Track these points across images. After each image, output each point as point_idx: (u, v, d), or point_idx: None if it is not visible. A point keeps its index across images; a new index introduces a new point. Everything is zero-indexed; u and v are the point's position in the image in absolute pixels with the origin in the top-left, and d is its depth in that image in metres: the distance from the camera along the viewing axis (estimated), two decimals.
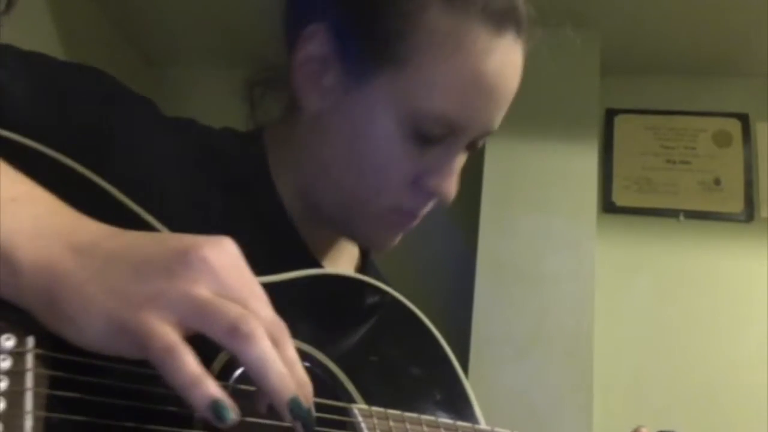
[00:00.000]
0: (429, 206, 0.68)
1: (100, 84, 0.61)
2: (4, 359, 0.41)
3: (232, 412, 0.40)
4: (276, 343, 0.44)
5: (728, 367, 2.17)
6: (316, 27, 0.64)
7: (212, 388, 0.40)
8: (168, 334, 0.41)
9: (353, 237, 0.71)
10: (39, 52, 0.59)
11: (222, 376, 0.50)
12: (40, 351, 0.43)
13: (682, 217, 2.35)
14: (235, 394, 0.43)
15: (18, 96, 0.54)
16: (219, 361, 0.51)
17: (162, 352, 0.40)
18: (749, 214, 2.31)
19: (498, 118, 0.67)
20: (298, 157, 0.69)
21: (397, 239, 0.70)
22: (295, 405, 0.43)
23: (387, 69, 0.62)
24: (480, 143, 0.69)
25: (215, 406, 0.40)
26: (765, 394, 2.11)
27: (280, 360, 0.43)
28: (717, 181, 2.36)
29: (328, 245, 0.74)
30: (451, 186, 0.65)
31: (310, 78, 0.65)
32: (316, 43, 0.64)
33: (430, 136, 0.63)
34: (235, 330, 0.41)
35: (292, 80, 0.66)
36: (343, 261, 0.76)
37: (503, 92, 0.66)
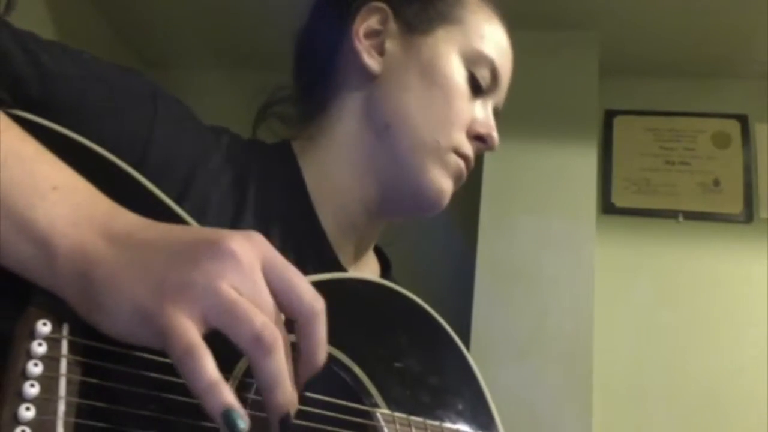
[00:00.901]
0: (473, 158, 0.76)
1: (144, 84, 0.63)
2: (40, 344, 0.42)
3: (244, 422, 0.41)
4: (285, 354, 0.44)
5: (728, 367, 2.17)
6: (376, 4, 0.74)
7: (227, 396, 0.41)
8: (189, 333, 0.41)
9: (418, 191, 0.73)
10: (88, 53, 0.60)
11: (244, 381, 0.51)
12: (73, 338, 0.44)
13: (681, 218, 2.35)
14: (253, 406, 0.44)
15: (63, 88, 0.55)
16: (240, 369, 0.51)
17: (182, 352, 0.41)
18: (748, 215, 2.31)
19: (504, 94, 0.80)
20: (339, 147, 0.72)
21: (450, 194, 0.75)
22: (286, 422, 0.44)
23: (446, 24, 0.74)
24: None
25: (227, 414, 0.40)
26: (765, 395, 2.11)
27: (288, 376, 0.43)
28: (716, 182, 2.36)
29: (354, 256, 0.76)
30: (496, 135, 0.75)
31: (373, 46, 0.74)
32: (376, 18, 0.74)
33: (480, 84, 0.74)
34: (258, 340, 0.42)
35: (352, 48, 0.74)
36: (366, 272, 0.78)
37: (511, 68, 0.80)
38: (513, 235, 2.18)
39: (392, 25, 0.74)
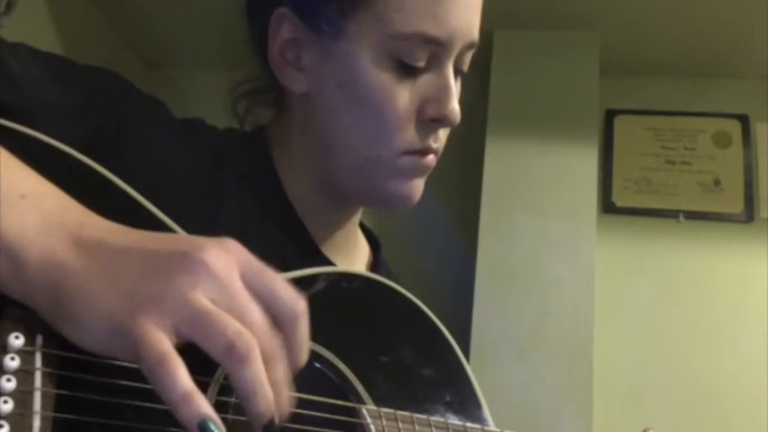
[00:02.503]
0: (442, 140, 0.69)
1: (113, 84, 0.62)
2: (12, 358, 0.41)
3: (219, 431, 0.40)
4: (267, 359, 0.43)
5: (728, 367, 2.17)
6: (280, 11, 0.66)
7: (201, 406, 0.40)
8: (161, 343, 0.40)
9: (380, 200, 0.70)
10: (55, 54, 0.60)
11: (227, 384, 0.50)
12: (48, 350, 0.43)
13: (681, 218, 2.35)
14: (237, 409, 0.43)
15: (31, 92, 0.54)
16: (220, 373, 0.50)
17: (153, 363, 0.40)
18: (749, 214, 2.31)
19: (474, 25, 0.67)
20: (302, 148, 0.70)
21: (421, 188, 0.70)
22: (269, 429, 0.43)
23: (355, 15, 0.64)
24: (466, 63, 0.69)
25: (203, 425, 0.40)
26: (765, 395, 2.11)
27: (268, 383, 0.43)
28: (717, 182, 2.36)
29: (338, 241, 0.74)
30: (453, 107, 0.65)
31: (291, 63, 0.67)
32: (285, 27, 0.66)
33: (414, 62, 0.64)
34: (231, 349, 0.41)
35: (274, 73, 0.68)
36: (352, 258, 0.77)
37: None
38: (513, 236, 2.18)
39: (303, 31, 0.66)
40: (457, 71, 0.68)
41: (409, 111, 0.65)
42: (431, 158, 0.68)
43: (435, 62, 0.65)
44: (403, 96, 0.65)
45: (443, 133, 0.69)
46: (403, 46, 0.63)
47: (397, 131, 0.65)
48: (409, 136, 0.66)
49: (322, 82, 0.66)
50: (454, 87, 0.66)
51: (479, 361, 2.04)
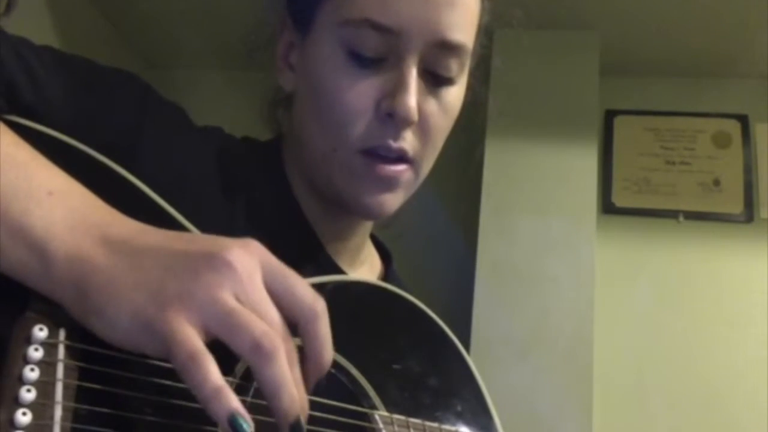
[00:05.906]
0: (408, 141, 0.64)
1: (134, 88, 0.62)
2: (36, 349, 0.42)
3: (249, 426, 0.41)
4: (289, 361, 0.44)
5: (728, 367, 2.17)
6: (282, 18, 0.69)
7: (232, 401, 0.41)
8: (192, 339, 0.41)
9: (349, 205, 0.67)
10: (80, 56, 0.60)
11: (243, 384, 0.51)
12: (70, 343, 0.44)
13: (681, 218, 2.35)
14: (252, 408, 0.44)
15: (54, 94, 0.55)
16: (240, 368, 0.51)
17: (186, 359, 0.41)
18: (749, 215, 2.31)
19: (441, 22, 0.62)
20: (294, 151, 0.71)
21: (393, 201, 0.66)
22: (296, 428, 0.44)
23: (321, 6, 0.64)
24: (449, 68, 0.65)
25: (233, 420, 0.41)
26: (765, 395, 2.11)
27: (293, 381, 0.44)
28: (716, 182, 2.36)
29: (349, 253, 0.74)
30: (405, 101, 0.61)
31: (284, 62, 0.70)
32: (285, 32, 0.69)
33: (365, 52, 0.62)
34: (258, 346, 0.42)
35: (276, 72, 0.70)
36: (364, 269, 0.77)
37: None
38: (513, 236, 2.18)
39: (294, 32, 0.68)
40: (437, 76, 0.64)
41: (364, 105, 0.62)
42: (397, 169, 0.64)
43: (395, 57, 0.62)
44: (357, 88, 0.62)
45: (411, 136, 0.64)
46: (353, 35, 0.61)
47: (348, 124, 0.63)
48: (361, 130, 0.63)
49: (300, 80, 0.68)
50: (413, 82, 0.62)
51: (479, 361, 2.02)
